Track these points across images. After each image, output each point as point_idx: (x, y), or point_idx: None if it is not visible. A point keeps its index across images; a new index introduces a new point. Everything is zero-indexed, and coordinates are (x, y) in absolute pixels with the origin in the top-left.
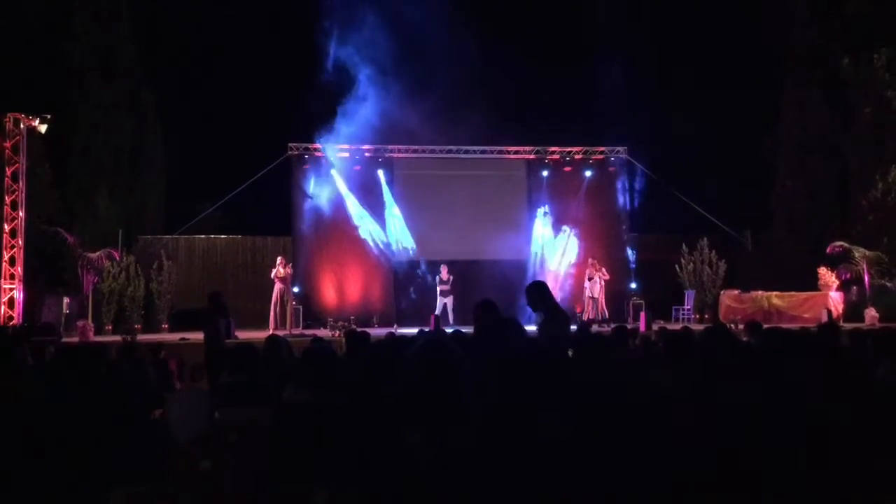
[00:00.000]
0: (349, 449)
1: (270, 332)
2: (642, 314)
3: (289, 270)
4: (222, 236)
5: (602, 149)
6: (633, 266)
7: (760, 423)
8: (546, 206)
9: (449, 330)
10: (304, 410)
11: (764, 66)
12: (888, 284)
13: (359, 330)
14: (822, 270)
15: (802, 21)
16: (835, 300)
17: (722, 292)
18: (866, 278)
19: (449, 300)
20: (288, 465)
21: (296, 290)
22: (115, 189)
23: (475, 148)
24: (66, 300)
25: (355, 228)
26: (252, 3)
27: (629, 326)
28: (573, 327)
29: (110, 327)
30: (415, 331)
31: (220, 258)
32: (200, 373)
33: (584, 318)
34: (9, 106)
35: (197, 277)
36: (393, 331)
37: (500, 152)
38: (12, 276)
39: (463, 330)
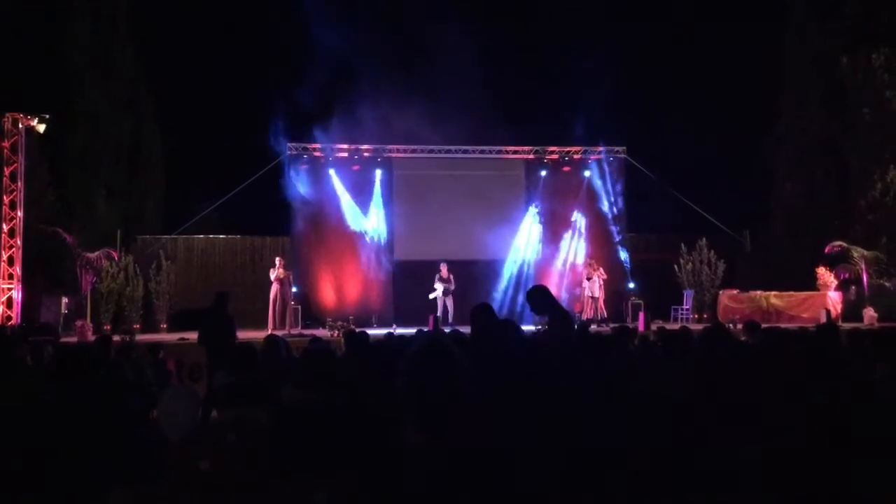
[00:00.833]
0: (348, 449)
1: (269, 332)
2: (641, 314)
3: (289, 273)
4: (221, 236)
5: (601, 148)
6: (632, 266)
7: (760, 423)
8: (537, 206)
9: (447, 329)
10: (304, 410)
11: (763, 66)
12: (887, 284)
13: (357, 330)
14: (821, 270)
15: (801, 21)
16: (833, 300)
17: (721, 292)
18: (865, 278)
19: (449, 300)
20: (287, 465)
21: (294, 290)
22: (113, 189)
23: (474, 147)
24: (64, 300)
25: (354, 228)
26: (251, 4)
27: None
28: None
29: (109, 327)
30: (413, 331)
31: (219, 258)
32: (199, 373)
33: (584, 317)
34: (7, 106)
35: (195, 277)
36: (392, 331)
37: (499, 152)
38: (11, 276)
39: (461, 330)
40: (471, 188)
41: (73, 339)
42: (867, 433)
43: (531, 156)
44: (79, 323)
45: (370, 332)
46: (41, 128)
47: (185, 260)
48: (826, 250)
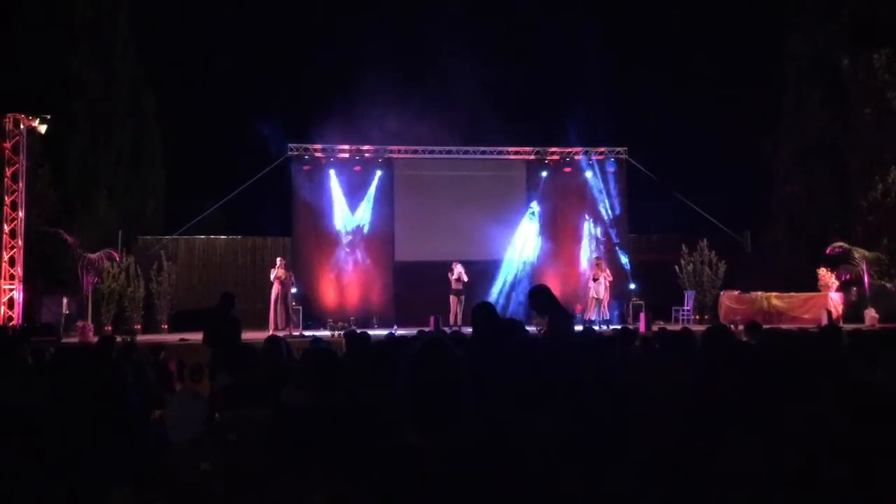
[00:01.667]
0: (349, 450)
1: (270, 332)
2: (642, 315)
3: (290, 274)
4: (222, 237)
5: (602, 149)
6: (633, 267)
7: (760, 424)
8: (538, 206)
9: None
10: (304, 411)
11: (764, 67)
12: (888, 285)
13: (358, 331)
14: (822, 271)
15: (802, 22)
16: (834, 301)
17: (722, 293)
18: (866, 279)
19: (461, 299)
20: (287, 465)
21: (294, 290)
22: (114, 189)
23: (475, 148)
24: (65, 301)
25: (354, 229)
26: (251, 4)
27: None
28: (578, 328)
29: (110, 328)
30: (414, 332)
31: (220, 259)
32: (200, 374)
33: (586, 318)
34: (9, 106)
35: (197, 278)
36: (393, 332)
37: (500, 153)
38: (12, 277)
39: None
40: (472, 189)
41: (75, 340)
42: (868, 434)
43: (532, 156)
44: (80, 323)
45: (371, 332)
46: (42, 128)
47: (186, 260)
48: (827, 251)
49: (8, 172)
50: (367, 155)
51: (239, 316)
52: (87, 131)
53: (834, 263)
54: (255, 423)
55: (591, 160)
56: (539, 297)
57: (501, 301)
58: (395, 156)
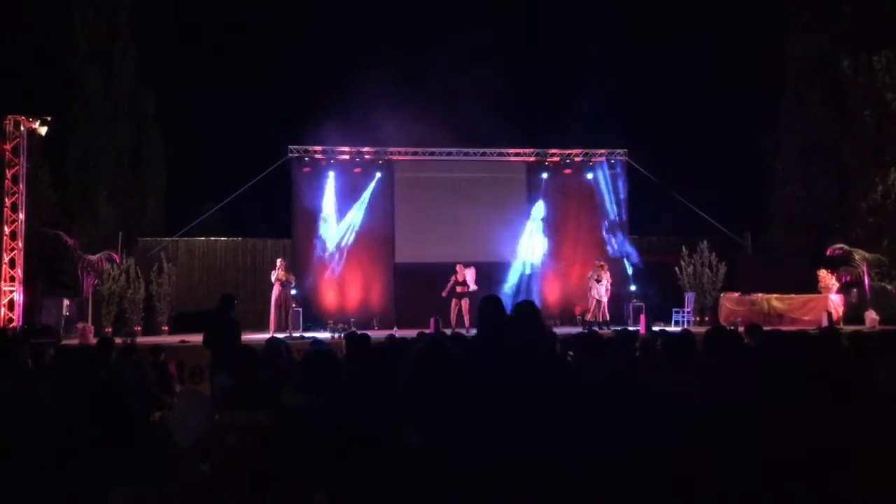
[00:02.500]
0: (349, 451)
1: (271, 334)
2: (642, 317)
3: (290, 275)
4: (222, 238)
5: (602, 151)
6: (633, 268)
7: (760, 426)
8: (538, 208)
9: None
10: (304, 413)
11: (764, 69)
12: (888, 287)
13: (359, 332)
14: (822, 273)
15: (802, 23)
16: (835, 303)
17: (722, 295)
18: (866, 281)
19: (465, 302)
20: (287, 467)
21: (294, 292)
22: (115, 191)
23: (475, 150)
24: (65, 302)
25: (354, 230)
26: (252, 6)
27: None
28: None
29: (110, 330)
30: (414, 333)
31: (221, 260)
32: (200, 375)
33: (587, 318)
34: (9, 108)
35: (197, 280)
36: (393, 333)
37: (500, 154)
38: (12, 279)
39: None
40: (472, 190)
41: (75, 342)
42: (869, 436)
43: (532, 158)
44: (80, 325)
45: (371, 334)
46: (43, 130)
47: (186, 262)
48: (827, 253)
49: (8, 174)
50: (367, 157)
51: (239, 317)
52: (87, 133)
53: (834, 265)
54: (255, 425)
55: (591, 162)
56: (523, 315)
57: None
58: (395, 157)
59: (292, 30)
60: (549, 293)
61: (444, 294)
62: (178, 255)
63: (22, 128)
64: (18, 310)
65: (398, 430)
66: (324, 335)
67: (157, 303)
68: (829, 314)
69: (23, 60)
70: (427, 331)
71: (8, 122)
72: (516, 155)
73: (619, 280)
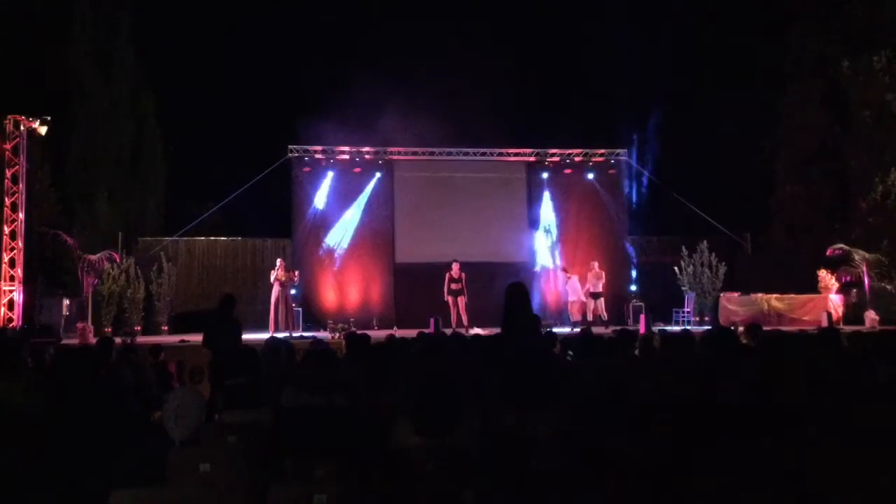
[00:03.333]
0: (349, 450)
1: (271, 334)
2: (642, 316)
3: (291, 275)
4: (222, 238)
5: (602, 151)
6: (633, 269)
7: (761, 426)
8: (538, 209)
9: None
10: (304, 412)
11: (764, 69)
12: (888, 287)
13: (359, 332)
14: (822, 273)
15: (802, 23)
16: (835, 303)
17: (722, 295)
18: (866, 281)
19: (461, 300)
20: (287, 466)
21: (294, 291)
22: (115, 191)
23: (475, 150)
24: (65, 302)
25: (354, 230)
26: (252, 6)
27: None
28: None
29: (110, 329)
30: (414, 333)
31: (221, 260)
32: (200, 375)
33: (589, 317)
34: (9, 108)
35: (197, 280)
36: (393, 333)
37: (500, 154)
38: (12, 278)
39: (482, 333)
40: (472, 190)
41: (75, 341)
42: (869, 436)
43: (532, 158)
44: (80, 325)
45: (371, 334)
46: (43, 130)
47: (186, 262)
48: (827, 253)
49: (8, 174)
50: (367, 157)
51: (239, 317)
52: (87, 133)
53: (834, 265)
54: (255, 425)
55: (591, 162)
56: (514, 295)
57: (499, 304)
58: (395, 157)
59: (292, 30)
60: (549, 294)
61: (446, 298)
62: (177, 255)
63: (22, 127)
64: (18, 309)
65: (398, 430)
66: (324, 335)
67: (156, 302)
68: (829, 314)
69: (23, 60)
70: (427, 331)
71: (8, 121)
72: (516, 155)
73: (619, 280)
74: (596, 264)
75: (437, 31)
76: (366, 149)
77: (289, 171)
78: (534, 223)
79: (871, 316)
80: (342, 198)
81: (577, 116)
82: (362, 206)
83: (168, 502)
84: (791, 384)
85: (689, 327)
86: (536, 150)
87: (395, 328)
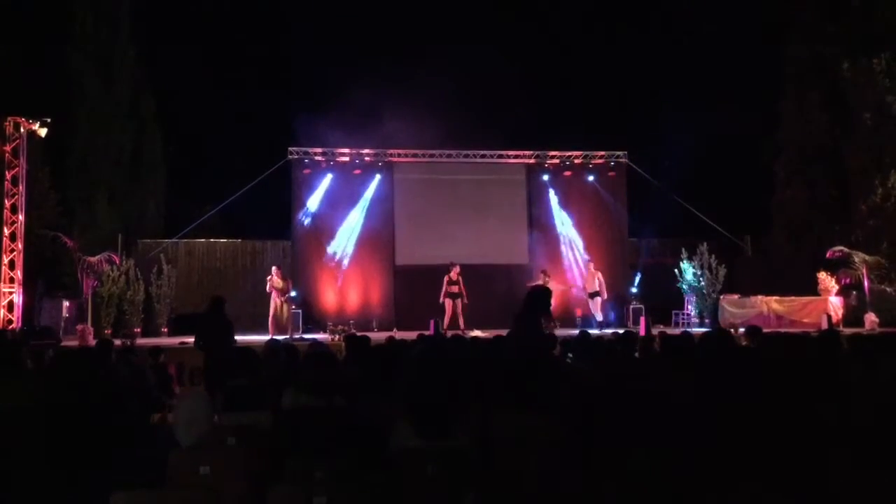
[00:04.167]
0: (349, 452)
1: (270, 336)
2: (642, 319)
3: (287, 285)
4: (222, 240)
5: (602, 153)
6: (633, 271)
7: (760, 426)
8: (538, 210)
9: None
10: (304, 414)
11: (764, 71)
12: (888, 289)
13: (358, 334)
14: (822, 275)
15: (802, 25)
16: (835, 305)
17: (722, 297)
18: (866, 283)
19: (458, 302)
20: (287, 468)
21: (293, 294)
22: (114, 193)
23: (475, 152)
24: (65, 304)
25: (354, 232)
26: (252, 8)
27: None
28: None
29: (109, 331)
30: (414, 335)
31: (220, 262)
32: (200, 377)
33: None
34: (9, 109)
35: (196, 281)
36: (393, 335)
37: (500, 156)
38: (12, 280)
39: (481, 335)
40: (471, 192)
41: (75, 343)
42: (868, 438)
43: (532, 160)
44: (80, 327)
45: (371, 336)
46: (43, 131)
47: (186, 264)
48: (827, 255)
49: (8, 175)
50: (367, 158)
51: (236, 319)
52: (87, 134)
53: (834, 267)
54: (254, 426)
55: (590, 164)
56: (543, 299)
57: (500, 305)
58: (394, 159)
59: (292, 31)
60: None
61: (442, 300)
62: (177, 257)
63: (22, 129)
64: (18, 311)
65: (397, 432)
66: (324, 337)
67: (156, 304)
68: (829, 316)
69: (23, 61)
70: (427, 333)
71: (8, 123)
72: (516, 157)
73: (619, 282)
74: (591, 265)
75: (437, 33)
76: (366, 150)
77: (288, 172)
78: (534, 225)
79: (870, 318)
80: (342, 199)
81: (577, 118)
82: (362, 208)
83: (168, 503)
84: (791, 386)
85: (688, 329)
86: (536, 152)
87: (394, 330)
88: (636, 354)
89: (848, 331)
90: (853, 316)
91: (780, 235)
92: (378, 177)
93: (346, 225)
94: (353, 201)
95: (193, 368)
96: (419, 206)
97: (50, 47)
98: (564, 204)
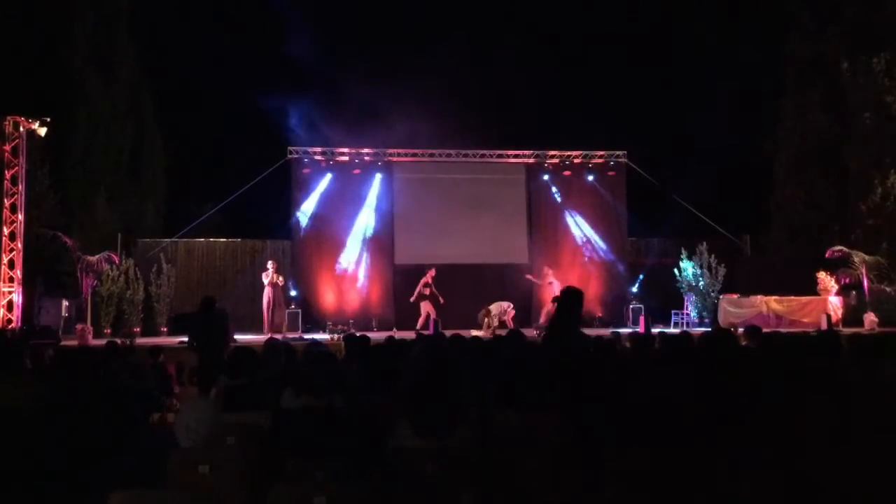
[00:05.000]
0: (349, 452)
1: (268, 335)
2: (641, 318)
3: (278, 277)
4: (221, 239)
5: (601, 153)
6: (633, 270)
7: (760, 427)
8: (538, 210)
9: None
10: (304, 414)
11: (764, 70)
12: (887, 289)
13: (358, 334)
14: (822, 275)
15: (802, 25)
16: (834, 305)
17: (721, 297)
18: (865, 283)
19: (430, 305)
20: (287, 469)
21: (294, 293)
22: (114, 192)
23: (474, 152)
24: (65, 303)
25: (354, 232)
26: (252, 8)
27: (626, 332)
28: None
29: (109, 331)
30: (414, 334)
31: (220, 261)
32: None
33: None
34: (8, 109)
35: (196, 281)
36: (392, 335)
37: (500, 156)
38: (11, 280)
39: (480, 335)
40: (471, 192)
41: (74, 343)
42: (868, 438)
43: (531, 160)
44: (79, 326)
45: (371, 335)
46: (42, 131)
47: (185, 263)
48: (827, 255)
49: (7, 175)
50: (366, 158)
51: (234, 318)
52: (86, 134)
53: (833, 267)
54: (254, 426)
55: (590, 164)
56: (578, 301)
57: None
58: (394, 159)
59: (292, 31)
60: (547, 296)
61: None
62: (177, 257)
63: (21, 128)
64: (17, 311)
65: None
66: (323, 336)
67: (156, 304)
68: (829, 316)
69: (22, 61)
70: (426, 332)
71: (7, 122)
72: (515, 157)
73: (618, 282)
74: (551, 272)
75: (436, 34)
76: (365, 150)
77: (288, 172)
78: (533, 224)
79: (870, 318)
80: (341, 199)
81: (577, 118)
82: (361, 208)
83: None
84: (790, 386)
85: (688, 329)
86: (536, 152)
87: (394, 330)
88: (635, 355)
89: (847, 330)
90: (852, 316)
91: (780, 235)
92: (378, 176)
93: (345, 224)
94: (352, 201)
95: (192, 368)
96: (419, 206)
97: (50, 47)
98: (564, 204)
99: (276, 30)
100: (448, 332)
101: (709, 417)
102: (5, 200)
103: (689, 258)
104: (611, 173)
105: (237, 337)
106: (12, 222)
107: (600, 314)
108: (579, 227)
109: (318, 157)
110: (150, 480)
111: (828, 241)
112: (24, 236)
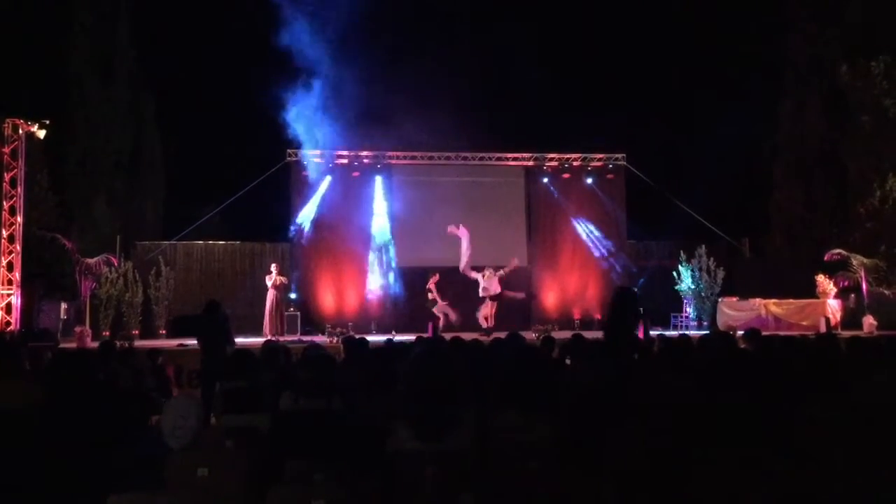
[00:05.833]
0: (347, 454)
1: (267, 338)
2: (640, 321)
3: (284, 278)
4: (220, 242)
5: (600, 156)
6: (631, 273)
7: (759, 429)
8: (537, 212)
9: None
10: (303, 416)
11: (763, 74)
12: (886, 292)
13: (357, 336)
14: (820, 278)
15: (801, 28)
16: (833, 308)
17: (720, 300)
18: (864, 286)
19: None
20: (286, 471)
21: (293, 296)
22: (113, 195)
23: (473, 154)
24: (63, 306)
25: (354, 235)
26: (252, 10)
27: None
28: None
29: (108, 333)
30: (413, 338)
31: (219, 264)
32: (198, 379)
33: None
34: (7, 111)
35: (195, 283)
36: (391, 337)
37: (499, 159)
38: (10, 282)
39: (480, 337)
40: (470, 195)
41: (73, 345)
42: (866, 440)
43: (531, 162)
44: (78, 329)
45: (369, 338)
46: (41, 133)
47: (184, 266)
48: (825, 258)
49: (6, 177)
50: (365, 160)
51: (234, 321)
52: (85, 136)
53: (832, 270)
54: (253, 429)
55: (589, 166)
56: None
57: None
58: (393, 161)
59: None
60: (546, 297)
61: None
62: (176, 259)
63: (20, 131)
64: (16, 313)
65: (396, 434)
66: (322, 339)
67: (154, 306)
68: (827, 319)
69: (22, 63)
70: (425, 335)
71: (6, 125)
72: (515, 159)
73: (616, 283)
74: (502, 269)
75: (436, 36)
76: (364, 152)
77: (287, 174)
78: (532, 227)
79: (869, 321)
80: (340, 201)
81: (576, 121)
82: (360, 210)
83: None
84: (789, 389)
85: (687, 332)
86: (535, 154)
87: (393, 332)
88: (635, 356)
89: (846, 333)
90: (851, 319)
91: (779, 238)
92: (377, 179)
93: (344, 227)
94: (351, 203)
95: (191, 370)
96: (418, 208)
97: (49, 49)
98: (563, 206)
99: (276, 30)
100: (447, 335)
101: (708, 419)
102: (4, 203)
103: (688, 262)
104: (610, 176)
105: (236, 340)
106: (11, 224)
107: (599, 317)
108: (578, 229)
109: (316, 160)
110: (148, 483)
111: (826, 243)
112: (22, 238)
